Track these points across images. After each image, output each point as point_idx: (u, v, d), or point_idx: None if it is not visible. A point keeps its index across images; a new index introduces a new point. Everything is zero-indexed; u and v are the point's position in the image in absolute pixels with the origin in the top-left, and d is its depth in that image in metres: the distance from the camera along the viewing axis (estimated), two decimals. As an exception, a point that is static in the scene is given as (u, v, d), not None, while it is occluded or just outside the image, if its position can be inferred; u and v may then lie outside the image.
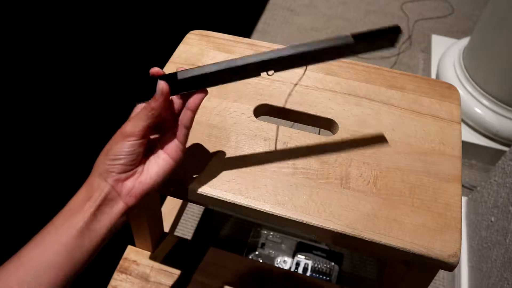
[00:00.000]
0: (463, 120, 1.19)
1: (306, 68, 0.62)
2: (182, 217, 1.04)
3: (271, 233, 0.98)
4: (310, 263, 0.93)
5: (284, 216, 0.47)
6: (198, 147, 0.53)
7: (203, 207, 1.06)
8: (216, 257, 0.71)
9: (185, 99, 0.43)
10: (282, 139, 0.54)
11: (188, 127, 0.43)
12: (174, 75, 0.42)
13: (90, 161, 0.41)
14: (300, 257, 0.94)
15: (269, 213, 0.48)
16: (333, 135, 0.55)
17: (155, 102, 0.40)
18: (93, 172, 0.40)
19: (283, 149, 0.53)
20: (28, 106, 1.28)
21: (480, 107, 1.14)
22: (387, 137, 0.55)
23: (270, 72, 0.42)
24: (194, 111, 0.43)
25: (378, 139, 0.54)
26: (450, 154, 0.53)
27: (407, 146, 0.54)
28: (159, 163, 0.42)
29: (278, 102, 0.59)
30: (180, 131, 0.43)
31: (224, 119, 0.56)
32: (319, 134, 0.55)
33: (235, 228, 1.02)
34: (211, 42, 0.66)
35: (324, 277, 0.92)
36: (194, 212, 1.06)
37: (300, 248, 0.95)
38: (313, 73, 0.62)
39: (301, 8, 1.68)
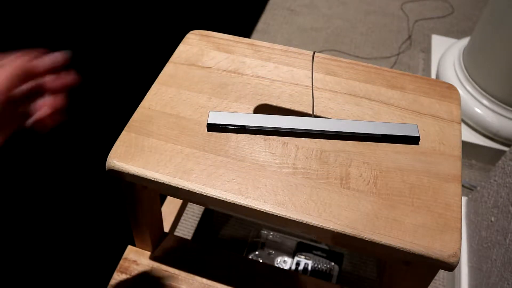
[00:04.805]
0: (463, 120, 1.19)
1: (312, 71, 0.62)
2: (182, 217, 1.04)
3: (271, 233, 0.98)
4: (310, 263, 0.93)
5: (284, 216, 0.47)
6: (197, 147, 0.53)
7: (203, 207, 1.06)
8: (216, 257, 0.71)
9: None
10: (282, 139, 0.54)
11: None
12: None
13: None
14: (300, 257, 0.94)
15: (269, 213, 0.48)
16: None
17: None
18: None
19: (283, 149, 0.53)
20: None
21: (480, 107, 1.14)
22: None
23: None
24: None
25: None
26: (450, 154, 0.53)
27: (407, 146, 0.54)
28: None
29: (278, 102, 0.59)
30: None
31: (224, 119, 0.56)
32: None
33: (235, 228, 1.02)
34: (211, 42, 0.66)
35: (324, 277, 0.92)
36: (194, 212, 1.06)
37: (300, 248, 0.95)
38: (313, 73, 0.62)
39: (301, 8, 1.68)
